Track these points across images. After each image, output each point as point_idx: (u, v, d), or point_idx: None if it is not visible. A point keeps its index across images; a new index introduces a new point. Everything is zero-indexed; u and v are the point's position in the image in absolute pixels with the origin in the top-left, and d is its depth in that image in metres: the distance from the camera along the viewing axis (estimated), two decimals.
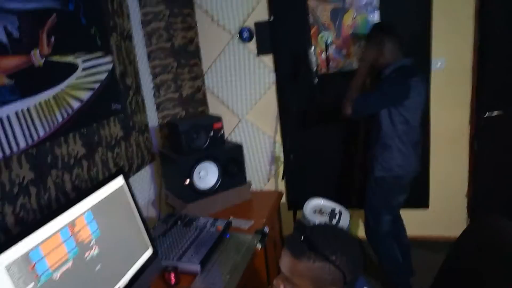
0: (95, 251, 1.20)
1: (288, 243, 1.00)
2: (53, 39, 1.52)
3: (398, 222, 2.45)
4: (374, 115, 2.19)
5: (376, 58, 2.16)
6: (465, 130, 2.63)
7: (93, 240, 1.21)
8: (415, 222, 2.66)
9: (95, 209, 1.25)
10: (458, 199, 2.78)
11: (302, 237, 0.97)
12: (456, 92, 2.56)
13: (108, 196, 1.33)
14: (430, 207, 2.81)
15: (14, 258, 0.94)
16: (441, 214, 2.82)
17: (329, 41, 2.62)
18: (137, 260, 1.41)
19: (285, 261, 0.99)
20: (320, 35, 2.63)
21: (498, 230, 1.05)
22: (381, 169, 2.21)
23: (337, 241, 0.96)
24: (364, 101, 2.13)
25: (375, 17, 2.51)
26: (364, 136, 2.62)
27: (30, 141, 1.39)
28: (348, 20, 2.56)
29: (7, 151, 1.29)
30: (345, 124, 2.74)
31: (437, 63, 2.52)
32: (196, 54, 2.77)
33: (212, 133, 2.15)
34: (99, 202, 1.27)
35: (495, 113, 2.51)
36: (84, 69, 1.71)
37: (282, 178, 2.70)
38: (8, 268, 0.92)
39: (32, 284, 0.96)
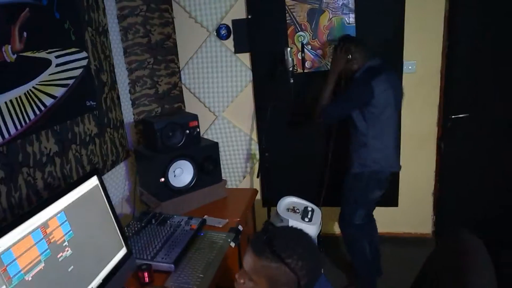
0: (68, 252, 1.20)
1: (252, 241, 1.06)
2: (25, 34, 1.49)
3: (371, 222, 2.53)
4: (347, 116, 2.25)
5: (345, 66, 2.28)
6: (433, 132, 2.74)
7: (66, 241, 1.20)
8: (385, 220, 2.75)
9: (68, 210, 1.24)
10: (425, 198, 2.90)
11: (265, 237, 1.03)
12: (426, 95, 2.66)
13: (81, 196, 1.32)
14: (399, 205, 2.91)
15: None
16: (410, 212, 2.93)
17: (305, 41, 2.66)
18: (111, 259, 1.41)
19: (247, 258, 1.05)
20: (296, 35, 2.67)
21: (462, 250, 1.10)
22: (358, 166, 2.30)
23: (297, 246, 1.02)
24: (333, 108, 2.26)
25: (350, 19, 2.56)
26: (337, 134, 2.68)
27: (0, 139, 1.36)
28: (324, 21, 2.60)
29: None
30: (323, 124, 2.80)
31: (408, 66, 2.61)
32: (173, 50, 2.75)
33: (187, 131, 2.16)
34: (72, 202, 1.27)
35: (461, 115, 2.62)
36: (57, 65, 1.68)
37: (257, 176, 2.73)
38: None
39: (4, 287, 0.96)
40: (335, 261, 2.84)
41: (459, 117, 2.62)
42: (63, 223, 1.21)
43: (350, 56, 2.24)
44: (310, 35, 2.66)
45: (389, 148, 2.28)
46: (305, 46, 2.67)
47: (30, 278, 1.04)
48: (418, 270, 1.30)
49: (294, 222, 2.10)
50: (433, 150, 2.78)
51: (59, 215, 1.20)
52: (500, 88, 2.55)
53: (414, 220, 2.96)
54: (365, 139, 2.24)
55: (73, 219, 1.25)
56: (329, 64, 2.66)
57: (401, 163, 2.45)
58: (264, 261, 1.00)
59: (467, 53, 2.52)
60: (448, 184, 2.81)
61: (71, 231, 1.24)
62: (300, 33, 2.66)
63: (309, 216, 2.17)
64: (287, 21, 2.65)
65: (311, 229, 2.09)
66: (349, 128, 2.35)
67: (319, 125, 2.72)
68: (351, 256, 2.51)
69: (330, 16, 2.59)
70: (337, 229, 3.10)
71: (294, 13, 2.63)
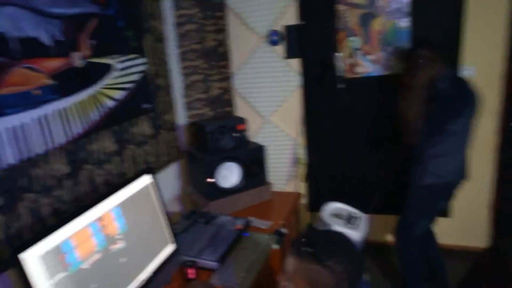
0: (121, 244, 1.30)
1: (293, 243, 1.08)
2: (93, 41, 1.63)
3: (430, 234, 2.42)
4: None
5: (428, 78, 2.11)
6: (491, 140, 2.59)
7: (120, 234, 1.30)
8: (437, 231, 2.63)
9: (123, 205, 1.34)
10: (480, 210, 2.74)
11: (306, 239, 1.04)
12: (484, 101, 2.51)
13: (135, 193, 1.42)
14: (452, 216, 2.78)
15: (47, 249, 1.04)
16: (463, 223, 2.78)
17: (356, 46, 2.63)
18: (159, 254, 1.50)
19: (288, 260, 1.06)
20: (347, 40, 2.65)
21: None
22: (431, 177, 2.15)
23: (338, 250, 1.02)
24: (431, 127, 2.09)
25: (404, 23, 2.50)
26: (396, 141, 2.54)
27: (67, 138, 1.50)
28: (376, 26, 2.56)
29: (47, 147, 1.41)
30: (371, 129, 2.75)
31: (468, 71, 2.48)
32: (225, 56, 2.85)
33: (236, 134, 2.22)
34: (127, 198, 1.37)
35: None
36: (119, 70, 1.81)
37: (304, 181, 2.74)
38: (41, 258, 1.02)
39: (62, 273, 1.06)
40: (382, 269, 2.77)
41: None
42: (118, 217, 1.31)
43: (432, 65, 2.08)
44: (361, 40, 2.62)
45: (462, 157, 2.16)
46: (356, 51, 2.64)
47: (87, 266, 1.15)
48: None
49: (338, 228, 2.09)
50: (490, 160, 2.62)
51: (115, 209, 1.30)
52: None
53: (469, 232, 2.80)
54: (444, 149, 2.11)
55: (127, 214, 1.35)
56: (381, 68, 2.62)
57: None
58: (304, 264, 1.01)
59: None
60: (509, 197, 2.63)
61: (125, 225, 1.34)
62: (352, 38, 2.64)
63: (353, 223, 2.15)
64: (339, 26, 2.64)
65: (356, 235, 2.06)
66: (424, 135, 2.19)
67: (375, 127, 2.64)
68: (402, 266, 2.41)
69: (383, 21, 2.53)
70: (386, 237, 3.02)
71: (346, 18, 2.61)
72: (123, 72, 1.84)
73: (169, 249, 1.57)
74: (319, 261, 0.99)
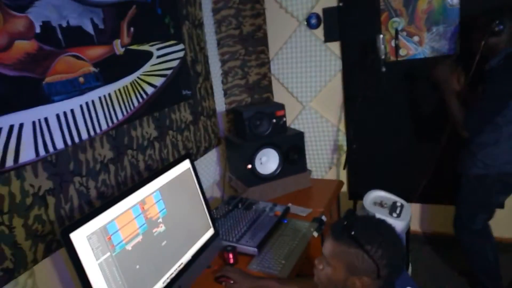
0: (162, 228, 1.32)
1: (332, 226, 1.06)
2: (132, 29, 1.65)
3: (488, 227, 2.27)
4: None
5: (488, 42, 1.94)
6: None
7: (161, 218, 1.33)
8: (493, 223, 2.49)
9: (163, 189, 1.36)
10: None
11: (345, 222, 1.01)
12: None
13: (175, 178, 1.44)
14: (505, 206, 2.61)
15: (94, 230, 1.08)
16: None
17: (400, 27, 2.50)
18: (199, 238, 1.52)
19: (327, 243, 1.05)
20: (390, 21, 2.52)
21: None
22: (483, 166, 2.02)
23: (378, 235, 0.99)
24: (476, 120, 1.94)
25: (454, 0, 2.34)
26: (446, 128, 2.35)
27: (110, 124, 1.55)
28: (422, 5, 2.41)
29: (92, 133, 1.45)
30: (416, 114, 2.63)
31: None
32: (263, 41, 2.81)
33: (274, 120, 2.20)
34: (167, 183, 1.39)
35: None
36: (158, 57, 1.83)
37: (344, 168, 2.68)
38: (89, 238, 1.06)
39: (108, 254, 1.10)
40: (443, 261, 2.67)
41: None
42: (158, 201, 1.34)
43: (498, 30, 1.88)
44: (406, 20, 2.49)
45: None
46: (399, 32, 2.51)
47: (130, 248, 1.18)
48: None
49: (381, 217, 2.02)
50: None
51: (155, 193, 1.33)
52: None
53: None
54: (497, 135, 1.95)
55: (167, 198, 1.38)
56: (426, 50, 2.48)
57: None
58: (343, 246, 0.99)
59: None
60: None
61: (165, 209, 1.36)
62: (395, 19, 2.51)
63: (397, 212, 2.07)
64: (381, 7, 2.52)
65: (399, 224, 1.99)
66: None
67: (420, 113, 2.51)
68: (470, 263, 2.28)
69: None
70: (440, 228, 2.91)
71: None
72: (162, 59, 1.86)
73: (209, 233, 1.59)
74: (359, 245, 0.97)
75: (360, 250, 0.96)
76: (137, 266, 1.19)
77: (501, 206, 2.35)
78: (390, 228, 1.04)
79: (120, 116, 1.60)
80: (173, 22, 1.95)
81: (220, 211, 1.95)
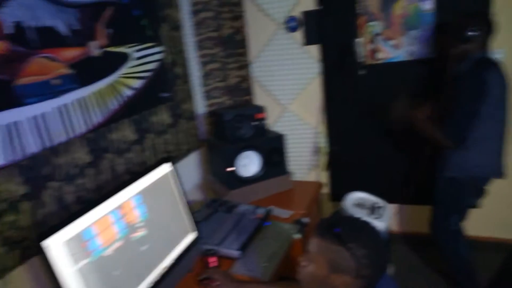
0: (143, 232, 1.29)
1: (318, 224, 1.06)
2: (109, 30, 1.62)
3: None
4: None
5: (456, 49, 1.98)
6: None
7: (141, 222, 1.30)
8: (468, 222, 2.55)
9: (143, 193, 1.34)
10: (510, 200, 2.64)
11: (332, 221, 1.03)
12: None
13: (156, 181, 1.41)
14: (483, 207, 2.68)
15: (70, 236, 1.04)
16: (494, 215, 2.68)
17: (377, 31, 2.55)
18: (181, 242, 1.50)
19: (311, 240, 1.05)
20: (368, 25, 2.57)
21: None
22: (455, 169, 2.05)
23: (361, 234, 1.00)
24: (456, 130, 1.94)
25: (428, 6, 2.40)
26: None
27: (88, 127, 1.51)
28: (398, 9, 2.47)
29: (71, 135, 1.42)
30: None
31: (497, 55, 2.37)
32: (243, 43, 2.81)
33: (255, 122, 2.20)
34: (148, 186, 1.36)
35: None
36: (136, 59, 1.80)
37: (325, 169, 2.69)
38: (64, 244, 1.02)
39: (85, 260, 1.07)
40: (413, 261, 2.71)
41: None
42: (139, 205, 1.31)
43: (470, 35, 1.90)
44: (383, 24, 2.53)
45: (495, 152, 2.02)
46: (377, 36, 2.56)
47: (109, 253, 1.15)
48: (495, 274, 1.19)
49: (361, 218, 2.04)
50: None
51: (136, 197, 1.30)
52: None
53: (499, 224, 2.70)
54: (469, 140, 1.96)
55: (148, 202, 1.35)
56: (403, 53, 2.53)
57: None
58: (327, 243, 1.00)
59: None
60: None
61: (146, 213, 1.33)
62: (372, 23, 2.55)
63: (377, 212, 2.10)
64: (359, 11, 2.56)
65: (379, 225, 2.01)
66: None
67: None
68: (447, 263, 2.32)
69: (405, 4, 2.44)
70: (418, 228, 2.96)
71: (366, 2, 2.52)
72: (140, 61, 1.83)
73: (190, 237, 1.57)
74: (342, 243, 0.97)
75: (343, 247, 0.97)
76: (117, 272, 1.16)
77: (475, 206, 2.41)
78: (374, 230, 1.05)
79: (98, 119, 1.56)
80: (151, 24, 1.93)
81: (202, 214, 1.93)
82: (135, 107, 1.80)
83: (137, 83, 1.81)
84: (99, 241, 1.12)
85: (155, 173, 1.43)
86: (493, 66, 1.93)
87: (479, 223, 2.70)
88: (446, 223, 2.20)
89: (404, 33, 2.50)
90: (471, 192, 2.13)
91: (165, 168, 1.48)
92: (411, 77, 2.55)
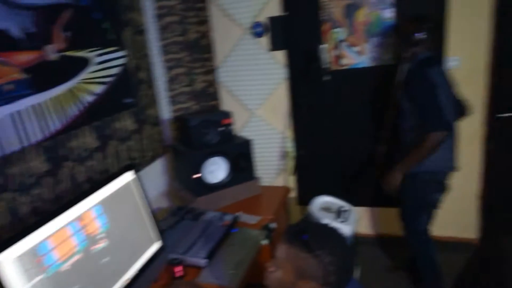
0: (104, 243, 1.24)
1: (286, 231, 1.07)
2: (67, 34, 1.56)
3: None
4: (403, 114, 2.12)
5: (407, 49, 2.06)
6: (478, 131, 2.59)
7: (102, 233, 1.25)
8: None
9: (105, 203, 1.29)
10: (470, 200, 2.75)
11: (298, 227, 1.04)
12: (471, 92, 2.51)
13: (118, 190, 1.36)
14: (442, 207, 2.78)
15: (23, 251, 0.98)
16: (453, 215, 2.79)
17: (341, 37, 2.60)
18: (145, 252, 1.45)
19: (280, 247, 1.06)
20: (332, 32, 2.61)
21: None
22: (415, 166, 2.11)
23: (328, 241, 1.01)
24: (436, 118, 1.95)
25: (388, 14, 2.47)
26: (384, 132, 2.50)
27: (45, 134, 1.44)
28: (361, 16, 2.53)
29: (25, 143, 1.34)
30: (360, 121, 2.73)
31: (453, 62, 2.48)
32: (209, 48, 2.79)
33: (221, 128, 2.18)
34: (109, 196, 1.31)
35: (510, 114, 2.45)
36: (97, 64, 1.74)
37: (292, 174, 2.71)
38: (16, 261, 0.96)
39: (40, 276, 1.01)
40: (378, 262, 2.77)
41: (507, 116, 2.45)
42: (100, 215, 1.26)
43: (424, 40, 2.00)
44: (346, 31, 2.59)
45: (448, 146, 2.09)
46: (341, 42, 2.61)
47: (68, 268, 1.09)
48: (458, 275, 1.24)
49: (327, 222, 2.07)
50: (478, 151, 2.63)
51: (96, 207, 1.25)
52: None
53: (458, 224, 2.81)
54: (420, 137, 2.02)
55: (109, 212, 1.30)
56: (367, 59, 2.60)
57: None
58: (294, 249, 1.01)
59: None
60: (496, 187, 2.64)
61: (107, 223, 1.28)
62: (336, 29, 2.60)
63: (343, 216, 2.13)
64: (323, 17, 2.61)
65: (345, 229, 2.04)
66: (401, 125, 2.18)
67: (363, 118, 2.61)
68: (417, 260, 2.37)
69: (367, 12, 2.51)
70: (386, 230, 3.02)
71: (330, 9, 2.57)
72: (101, 66, 1.77)
73: (154, 247, 1.52)
74: (309, 250, 0.98)
75: (310, 255, 0.97)
76: (76, 287, 1.11)
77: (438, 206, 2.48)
78: (341, 237, 1.06)
79: (56, 126, 1.49)
80: (114, 27, 1.87)
81: (167, 222, 1.89)
82: (96, 113, 1.74)
83: (98, 89, 1.75)
84: (56, 255, 1.06)
85: (117, 182, 1.38)
86: (437, 64, 2.04)
87: (441, 223, 2.80)
88: (415, 223, 2.26)
89: (367, 40, 2.57)
90: (433, 188, 2.18)
91: (128, 176, 1.43)
92: (374, 82, 2.62)
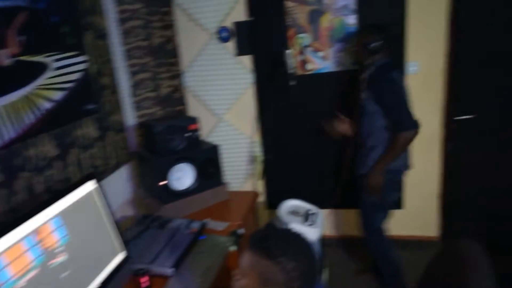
0: (63, 257, 1.19)
1: (250, 237, 1.06)
2: (22, 38, 1.49)
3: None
4: (369, 116, 2.17)
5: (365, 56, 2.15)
6: (438, 133, 2.70)
7: (62, 246, 1.19)
8: (391, 223, 2.71)
9: (64, 214, 1.23)
10: (431, 200, 2.85)
11: (261, 234, 1.03)
12: (429, 96, 2.62)
13: (78, 200, 1.31)
14: (405, 208, 2.87)
15: None
16: (415, 214, 2.88)
17: (306, 43, 2.64)
18: (108, 264, 1.40)
19: (244, 254, 1.05)
20: (297, 37, 2.65)
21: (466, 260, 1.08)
22: (371, 166, 2.18)
23: (291, 247, 1.01)
24: (406, 119, 2.05)
25: (351, 20, 2.53)
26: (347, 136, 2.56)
27: None
28: (324, 22, 2.58)
29: None
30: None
31: (412, 67, 2.57)
32: (174, 53, 2.75)
33: (187, 134, 2.15)
34: (69, 207, 1.26)
35: (466, 117, 2.57)
36: (56, 69, 1.68)
37: (260, 178, 2.71)
38: None
39: None
40: (352, 261, 2.81)
41: (464, 118, 2.57)
42: (58, 227, 1.20)
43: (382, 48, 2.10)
44: (311, 36, 2.63)
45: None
46: (306, 48, 2.65)
47: (24, 284, 1.04)
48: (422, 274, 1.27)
49: (296, 225, 2.08)
50: (438, 152, 2.74)
51: (54, 219, 1.20)
52: (507, 88, 2.49)
53: (420, 223, 2.91)
54: (382, 137, 2.13)
55: (69, 224, 1.25)
56: (331, 64, 2.65)
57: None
58: (257, 257, 1.00)
59: (472, 52, 2.47)
60: (455, 186, 2.75)
61: (67, 236, 1.23)
62: (301, 35, 2.64)
63: (310, 219, 2.15)
64: (288, 23, 2.64)
65: (313, 232, 2.07)
66: (363, 127, 2.23)
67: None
68: (375, 259, 2.43)
69: (331, 18, 2.56)
70: (352, 232, 3.07)
71: (295, 15, 2.61)
72: (60, 71, 1.71)
73: (119, 258, 1.48)
74: (272, 257, 0.98)
75: (273, 262, 0.97)
76: None
77: (397, 206, 2.55)
78: (305, 242, 1.07)
79: (10, 135, 1.42)
80: (73, 31, 1.81)
81: (133, 231, 1.84)
82: (56, 121, 1.67)
83: (57, 95, 1.68)
84: (10, 272, 1.01)
85: (78, 192, 1.33)
86: (394, 69, 2.13)
87: (404, 222, 2.89)
88: (372, 222, 2.32)
89: (331, 45, 2.62)
90: (390, 186, 2.24)
91: (90, 186, 1.38)
92: (339, 87, 2.67)
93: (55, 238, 1.18)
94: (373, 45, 2.10)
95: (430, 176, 2.79)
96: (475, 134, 2.60)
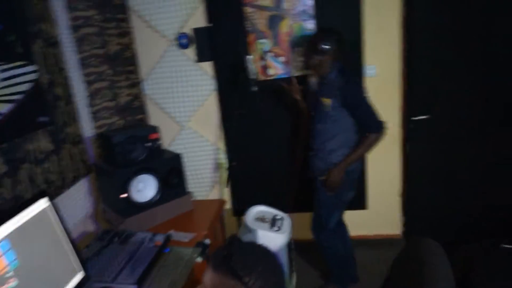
0: (13, 283, 1.11)
1: (212, 255, 1.01)
2: None
3: (342, 226, 2.48)
4: (321, 118, 2.20)
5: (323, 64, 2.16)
6: (397, 134, 2.77)
7: (10, 271, 1.11)
8: (355, 223, 2.75)
9: (12, 236, 1.15)
10: (393, 199, 2.93)
11: (225, 252, 0.98)
12: (387, 98, 2.69)
13: (28, 220, 1.23)
14: (368, 208, 2.92)
15: None
16: (379, 214, 2.95)
17: (266, 48, 2.65)
18: (65, 286, 1.32)
19: (206, 272, 1.00)
20: (257, 43, 2.65)
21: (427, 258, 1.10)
22: (327, 167, 2.21)
23: (257, 264, 0.97)
24: (373, 121, 2.11)
25: (310, 25, 2.56)
26: (304, 140, 2.60)
27: None
28: (284, 28, 2.59)
29: None
30: (286, 129, 2.78)
31: (369, 70, 2.63)
32: (132, 60, 2.68)
33: (148, 144, 2.08)
34: (18, 228, 1.18)
35: (422, 117, 2.66)
36: (1, 80, 1.58)
37: (226, 186, 2.68)
38: None
39: None
40: (310, 265, 2.82)
41: (421, 119, 2.65)
42: (6, 251, 1.12)
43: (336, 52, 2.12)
44: (271, 42, 2.64)
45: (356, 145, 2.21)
46: (266, 53, 2.65)
47: None
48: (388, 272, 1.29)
49: (263, 232, 2.07)
50: (398, 152, 2.82)
51: (1, 243, 1.11)
52: (460, 88, 2.59)
53: (384, 222, 2.98)
54: (346, 139, 2.16)
55: (19, 246, 1.16)
56: (292, 70, 2.66)
57: (368, 166, 2.44)
58: (221, 277, 0.95)
59: (426, 55, 2.55)
60: (414, 185, 2.84)
61: (17, 260, 1.15)
62: (261, 40, 2.64)
63: (278, 225, 2.14)
64: (248, 28, 2.63)
65: (280, 238, 2.06)
66: (321, 132, 2.24)
67: (290, 126, 2.66)
68: (325, 258, 2.47)
69: (290, 23, 2.58)
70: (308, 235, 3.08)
71: (254, 20, 2.60)
72: (6, 83, 1.60)
73: (77, 278, 1.40)
74: (237, 277, 0.93)
75: (238, 282, 0.93)
76: None
77: (361, 206, 2.59)
78: (271, 256, 1.03)
79: None
80: (20, 40, 1.71)
81: (93, 248, 1.75)
82: (3, 135, 1.57)
83: (4, 108, 1.58)
84: None
85: (28, 211, 1.25)
86: (351, 75, 2.19)
87: (367, 223, 2.95)
88: (328, 223, 2.34)
89: (291, 50, 2.63)
90: (347, 186, 2.26)
91: (40, 204, 1.30)
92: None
93: (4, 263, 1.10)
94: (320, 46, 2.09)
95: (391, 175, 2.86)
96: (430, 134, 2.70)
